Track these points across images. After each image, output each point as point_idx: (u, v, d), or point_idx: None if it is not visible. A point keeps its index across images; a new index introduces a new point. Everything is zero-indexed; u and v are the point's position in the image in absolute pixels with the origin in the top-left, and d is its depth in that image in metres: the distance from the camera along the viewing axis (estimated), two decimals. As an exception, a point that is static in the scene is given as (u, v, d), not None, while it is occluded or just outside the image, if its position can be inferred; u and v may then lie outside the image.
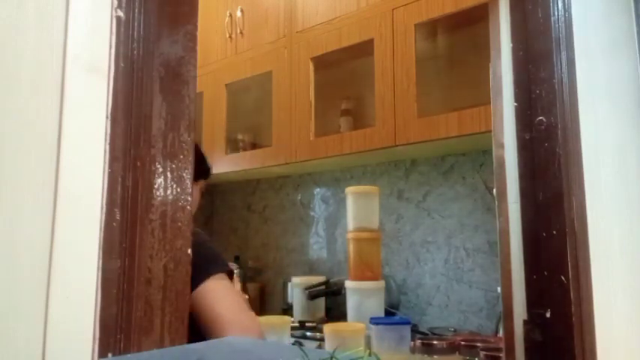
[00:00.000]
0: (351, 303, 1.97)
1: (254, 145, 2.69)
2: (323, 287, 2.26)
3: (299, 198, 2.67)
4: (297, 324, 2.11)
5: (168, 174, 0.80)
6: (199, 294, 1.15)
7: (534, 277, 1.02)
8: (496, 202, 1.13)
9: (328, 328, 1.68)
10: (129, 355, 0.69)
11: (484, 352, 1.46)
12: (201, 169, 1.42)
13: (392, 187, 2.29)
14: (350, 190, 2.09)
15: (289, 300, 2.42)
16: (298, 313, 2.26)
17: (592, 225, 1.02)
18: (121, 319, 0.71)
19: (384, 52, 1.98)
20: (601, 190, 1.03)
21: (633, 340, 1.00)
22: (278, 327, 1.81)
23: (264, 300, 2.76)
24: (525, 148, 1.07)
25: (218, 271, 1.21)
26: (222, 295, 1.18)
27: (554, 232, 1.00)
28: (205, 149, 2.59)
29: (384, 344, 1.62)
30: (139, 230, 0.75)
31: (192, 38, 0.86)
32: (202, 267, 1.17)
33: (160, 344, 0.75)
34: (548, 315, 0.99)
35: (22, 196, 0.67)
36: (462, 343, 1.60)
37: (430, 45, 2.14)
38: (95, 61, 0.73)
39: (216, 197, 3.11)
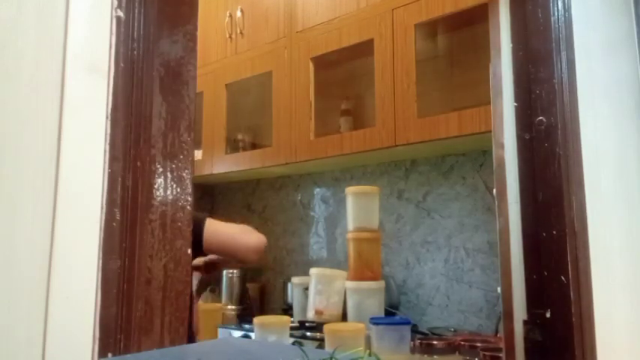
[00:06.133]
0: (351, 303, 1.97)
1: (254, 145, 2.69)
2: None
3: (299, 198, 2.67)
4: (297, 324, 2.11)
5: (168, 174, 0.80)
6: (209, 229, 1.38)
7: (534, 277, 1.02)
8: (496, 202, 1.13)
9: (328, 328, 1.68)
10: (129, 355, 0.69)
11: (484, 352, 1.46)
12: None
13: (392, 187, 2.29)
14: (350, 190, 2.08)
15: (289, 300, 2.42)
16: (298, 313, 2.26)
17: (592, 225, 1.02)
18: (121, 319, 0.71)
19: (384, 52, 1.97)
20: (601, 190, 1.03)
21: (633, 340, 1.00)
22: (278, 327, 1.81)
23: (264, 300, 2.76)
24: (525, 148, 1.07)
25: (206, 216, 1.43)
26: (224, 224, 1.44)
27: (554, 232, 1.00)
28: (205, 149, 2.59)
29: (384, 344, 1.62)
30: (139, 230, 0.75)
31: (192, 38, 0.86)
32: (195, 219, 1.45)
33: (160, 344, 0.75)
34: (548, 315, 0.99)
35: (22, 196, 0.67)
36: (462, 343, 1.60)
37: (430, 45, 2.14)
38: (95, 61, 0.73)
39: (216, 197, 3.11)
